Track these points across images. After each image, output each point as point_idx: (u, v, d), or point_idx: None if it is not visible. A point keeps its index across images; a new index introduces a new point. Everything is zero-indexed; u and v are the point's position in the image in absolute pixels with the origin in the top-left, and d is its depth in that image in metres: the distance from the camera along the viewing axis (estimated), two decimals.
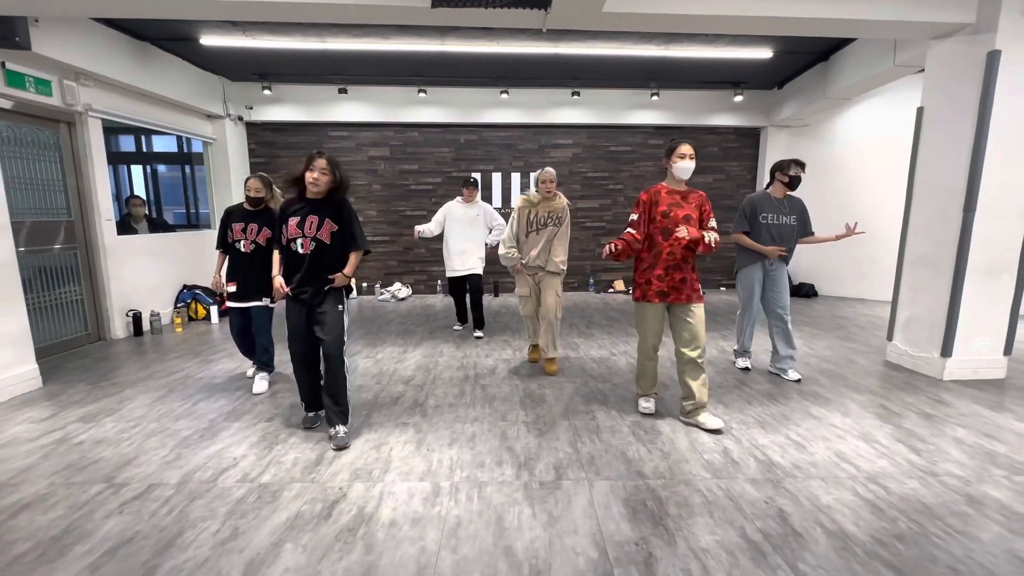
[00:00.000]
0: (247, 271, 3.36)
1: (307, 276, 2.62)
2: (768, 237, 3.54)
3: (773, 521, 2.00)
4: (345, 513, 2.06)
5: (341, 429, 2.68)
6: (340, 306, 2.69)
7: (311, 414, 2.89)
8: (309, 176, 2.56)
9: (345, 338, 2.72)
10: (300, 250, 2.60)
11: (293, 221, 2.59)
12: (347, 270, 2.68)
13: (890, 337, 4.09)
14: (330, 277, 2.63)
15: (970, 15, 3.41)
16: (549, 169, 3.64)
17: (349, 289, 2.80)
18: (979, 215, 3.45)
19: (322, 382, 2.78)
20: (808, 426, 2.87)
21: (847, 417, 2.99)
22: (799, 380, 3.59)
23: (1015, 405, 3.17)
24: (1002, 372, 3.67)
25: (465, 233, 4.83)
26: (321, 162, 2.56)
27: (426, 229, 4.84)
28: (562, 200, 3.72)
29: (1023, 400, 3.25)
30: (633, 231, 2.85)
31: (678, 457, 2.51)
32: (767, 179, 3.71)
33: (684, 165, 2.79)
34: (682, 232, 2.71)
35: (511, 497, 2.17)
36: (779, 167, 3.55)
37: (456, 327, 5.27)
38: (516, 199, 7.33)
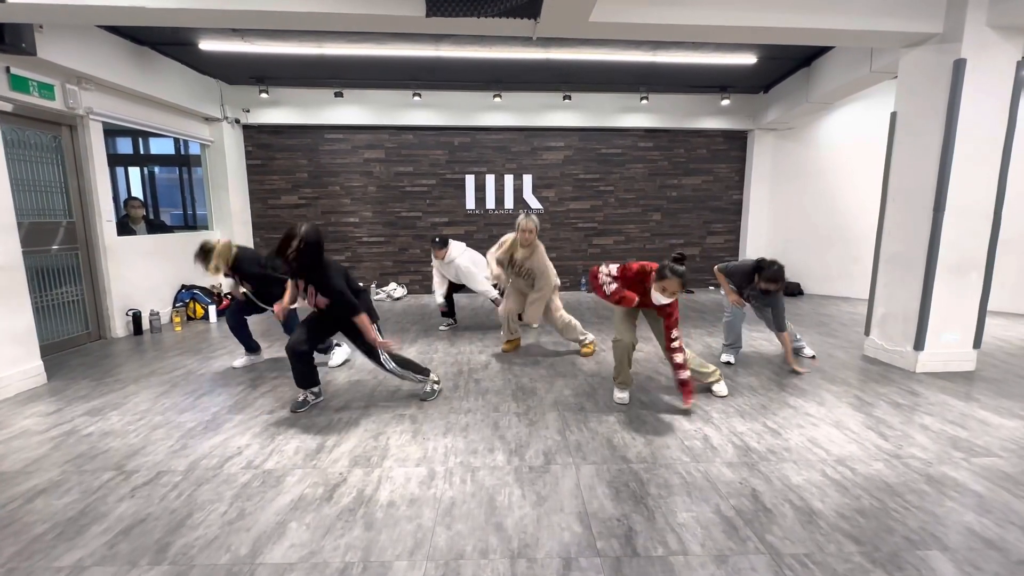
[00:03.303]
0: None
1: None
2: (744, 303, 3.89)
3: (746, 499, 2.15)
4: (346, 496, 2.19)
5: (423, 387, 3.34)
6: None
7: (300, 399, 3.15)
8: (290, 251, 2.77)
9: (379, 339, 3.09)
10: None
11: (298, 283, 3.04)
12: (367, 337, 3.03)
13: (867, 332, 4.27)
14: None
15: (938, 25, 3.59)
16: (531, 217, 3.91)
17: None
18: (947, 215, 3.62)
19: None
20: (785, 415, 3.03)
21: (822, 406, 3.15)
22: (814, 356, 4.17)
23: (981, 395, 3.34)
24: (972, 365, 3.85)
25: (457, 284, 5.19)
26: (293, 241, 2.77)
27: (437, 293, 5.18)
28: (540, 256, 3.95)
29: (989, 390, 3.43)
30: (622, 294, 3.05)
31: (660, 444, 2.66)
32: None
33: (657, 296, 2.91)
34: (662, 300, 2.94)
35: (502, 480, 2.31)
36: (760, 272, 3.61)
37: (442, 327, 5.40)
38: (509, 202, 7.55)
